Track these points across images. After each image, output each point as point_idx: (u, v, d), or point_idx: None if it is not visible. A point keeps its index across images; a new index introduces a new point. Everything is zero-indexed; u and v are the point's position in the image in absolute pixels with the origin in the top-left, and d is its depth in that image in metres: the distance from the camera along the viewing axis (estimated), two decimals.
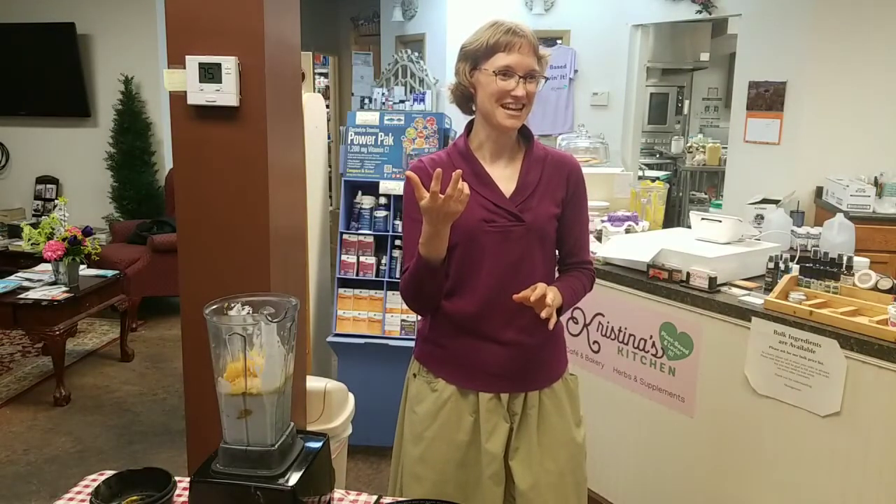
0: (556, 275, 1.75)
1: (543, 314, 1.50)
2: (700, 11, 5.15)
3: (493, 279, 1.61)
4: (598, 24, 5.88)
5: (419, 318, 1.81)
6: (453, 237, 1.54)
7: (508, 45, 1.54)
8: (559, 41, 6.01)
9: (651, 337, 2.47)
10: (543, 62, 1.61)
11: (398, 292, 1.67)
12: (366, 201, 3.29)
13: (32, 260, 4.59)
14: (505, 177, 1.64)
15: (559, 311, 1.61)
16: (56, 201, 4.68)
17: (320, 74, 9.29)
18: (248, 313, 1.28)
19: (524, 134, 1.69)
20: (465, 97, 1.64)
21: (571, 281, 1.71)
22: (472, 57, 1.59)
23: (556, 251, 1.74)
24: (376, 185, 3.24)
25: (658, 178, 5.90)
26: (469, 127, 1.69)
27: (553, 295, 1.54)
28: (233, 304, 1.29)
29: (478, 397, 1.65)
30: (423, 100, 5.88)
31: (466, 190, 1.44)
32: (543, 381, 1.70)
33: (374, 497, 1.45)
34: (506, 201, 1.61)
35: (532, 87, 1.56)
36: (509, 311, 1.61)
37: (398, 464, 1.80)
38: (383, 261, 3.28)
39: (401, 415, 1.80)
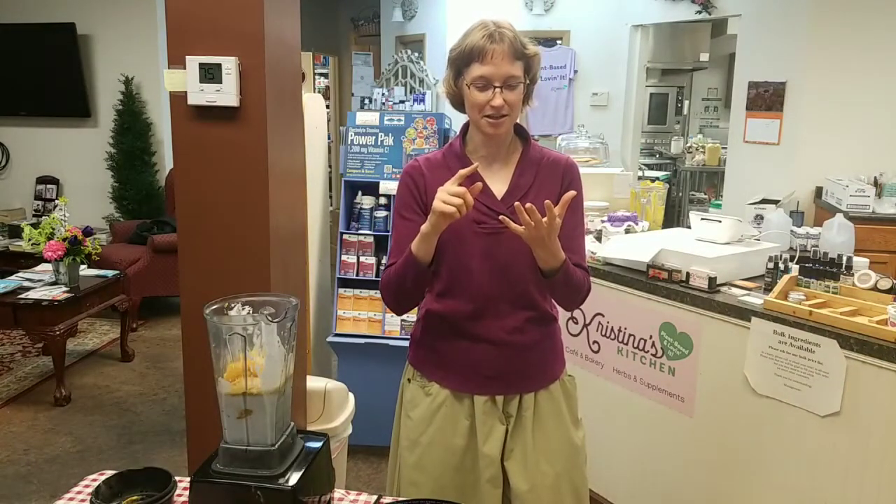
0: None
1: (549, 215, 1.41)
2: (700, 12, 5.16)
3: (485, 281, 1.60)
4: (598, 24, 5.89)
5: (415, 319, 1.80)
6: (444, 237, 1.52)
7: (482, 54, 1.49)
8: (559, 41, 6.01)
9: (651, 337, 2.47)
10: (533, 60, 1.56)
11: None
12: (366, 201, 3.30)
13: (33, 260, 4.59)
14: (498, 178, 1.63)
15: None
16: (56, 201, 4.69)
17: (320, 74, 9.29)
18: (249, 313, 1.28)
19: (521, 135, 1.68)
20: (457, 100, 1.63)
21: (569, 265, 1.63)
22: (455, 65, 1.57)
23: None
24: (376, 185, 3.24)
25: (658, 179, 5.90)
26: (465, 128, 1.67)
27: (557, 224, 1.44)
28: (233, 304, 1.29)
29: (473, 400, 1.65)
30: (423, 100, 5.87)
31: (469, 199, 1.43)
32: (539, 382, 1.68)
33: (374, 497, 1.45)
34: (497, 203, 1.59)
35: (512, 95, 1.52)
36: (501, 312, 1.61)
37: (395, 468, 1.79)
38: (383, 261, 3.28)
39: (396, 419, 1.79)
